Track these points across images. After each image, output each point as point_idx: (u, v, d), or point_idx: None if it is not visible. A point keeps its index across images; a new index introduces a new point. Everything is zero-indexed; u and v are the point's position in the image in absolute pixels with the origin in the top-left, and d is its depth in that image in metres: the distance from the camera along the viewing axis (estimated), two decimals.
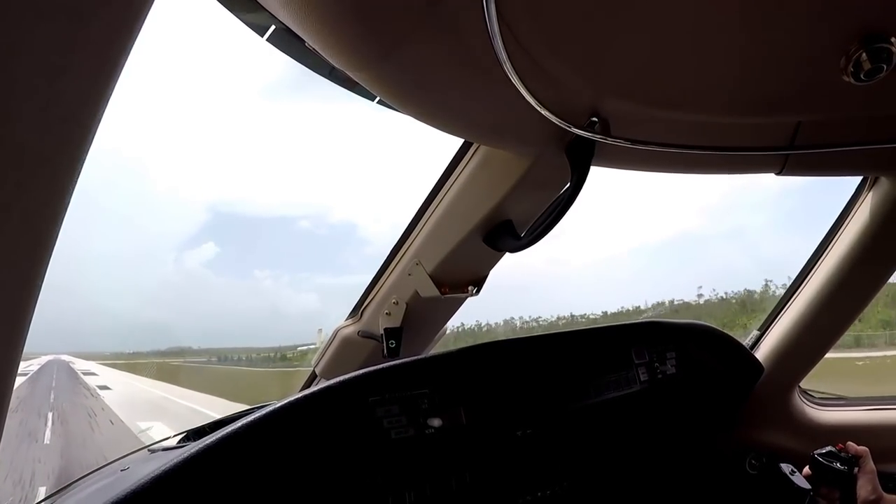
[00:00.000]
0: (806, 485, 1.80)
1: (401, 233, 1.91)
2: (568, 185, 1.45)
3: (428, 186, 1.77)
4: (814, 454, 1.77)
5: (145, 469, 1.25)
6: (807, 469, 1.81)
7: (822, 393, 2.44)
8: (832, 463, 1.74)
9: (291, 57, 1.26)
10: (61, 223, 0.72)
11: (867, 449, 1.74)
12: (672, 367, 2.01)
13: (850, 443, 1.76)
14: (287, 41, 1.20)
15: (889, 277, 2.01)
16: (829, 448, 1.78)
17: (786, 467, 1.86)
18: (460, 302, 2.07)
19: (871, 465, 1.73)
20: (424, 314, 2.03)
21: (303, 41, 1.04)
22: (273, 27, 1.17)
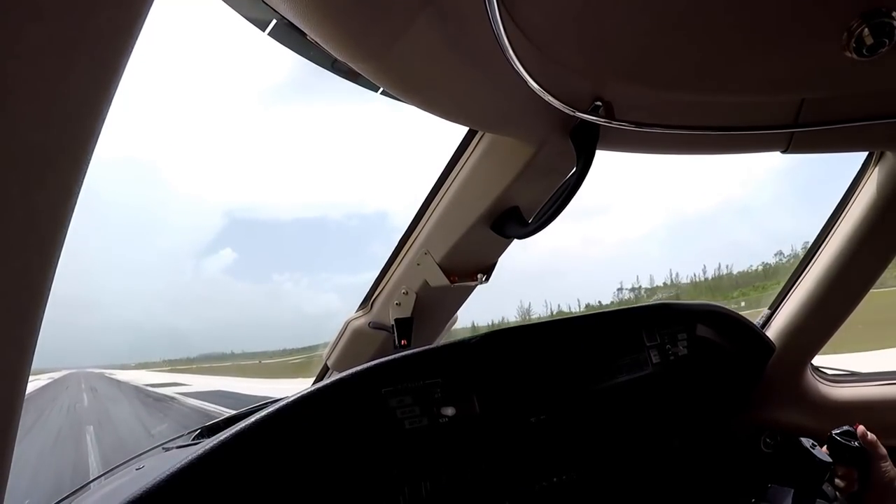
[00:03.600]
0: (827, 458, 1.79)
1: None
2: (574, 169, 1.45)
3: (434, 176, 1.77)
4: (831, 433, 1.77)
5: (161, 467, 1.25)
6: (824, 449, 1.80)
7: (835, 370, 2.44)
8: (850, 442, 1.73)
9: (294, 51, 1.26)
10: (68, 224, 0.72)
11: (875, 437, 1.74)
12: (683, 348, 2.01)
13: (860, 428, 1.75)
14: (289, 35, 1.20)
15: None
16: (846, 427, 1.77)
17: (806, 441, 1.86)
18: (470, 290, 2.08)
19: (882, 449, 1.73)
20: (434, 304, 2.03)
21: (304, 34, 1.04)
22: (274, 21, 1.17)
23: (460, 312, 2.26)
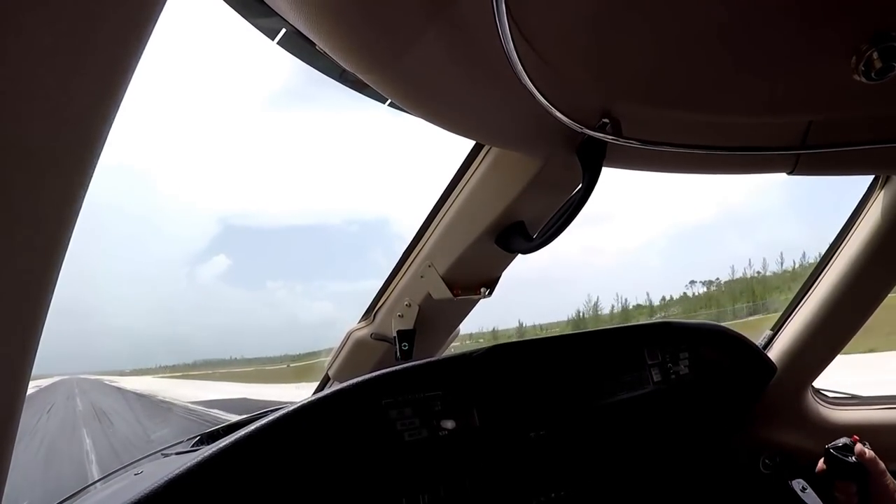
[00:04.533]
0: (817, 502, 1.79)
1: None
2: (580, 185, 1.45)
3: (440, 188, 1.78)
4: (828, 448, 1.75)
5: (159, 473, 1.25)
6: (821, 463, 1.79)
7: (836, 392, 2.43)
8: (847, 456, 1.72)
9: (302, 60, 1.26)
10: (73, 227, 0.72)
11: (874, 454, 1.73)
12: (685, 367, 2.01)
13: (858, 445, 1.74)
14: (298, 45, 1.20)
15: None
16: (843, 441, 1.75)
17: (797, 484, 1.85)
18: (473, 304, 2.08)
19: (881, 465, 1.72)
20: (437, 316, 2.03)
21: (313, 44, 1.04)
22: (284, 31, 1.17)
23: (464, 325, 2.27)
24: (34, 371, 0.81)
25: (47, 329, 0.78)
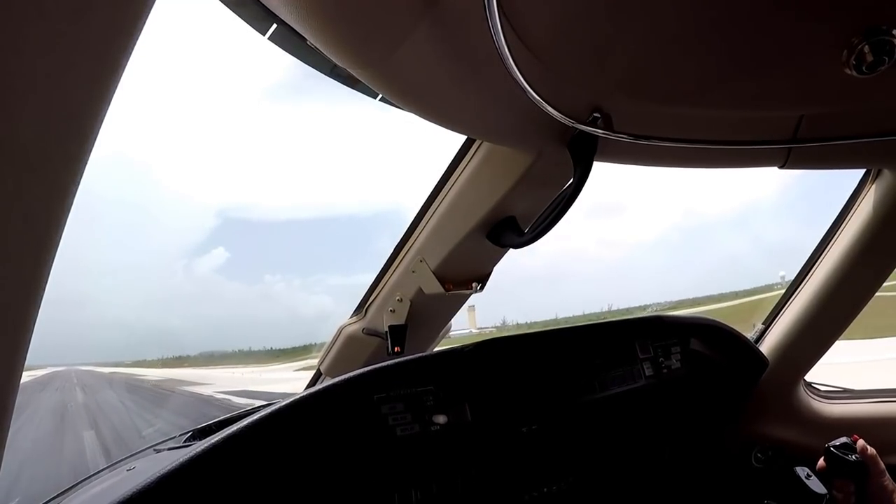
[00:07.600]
0: (822, 490, 1.78)
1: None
2: (571, 180, 1.45)
3: (431, 183, 1.77)
4: (828, 446, 1.74)
5: (151, 468, 1.25)
6: (821, 462, 1.78)
7: (828, 386, 2.44)
8: (847, 455, 1.71)
9: (293, 55, 1.26)
10: (64, 224, 0.72)
11: (875, 451, 1.72)
12: (677, 361, 2.01)
13: (860, 441, 1.73)
14: (289, 40, 1.20)
15: (893, 269, 2.01)
16: (843, 439, 1.74)
17: (801, 471, 1.84)
18: (464, 299, 2.08)
19: (881, 464, 1.71)
20: (429, 311, 2.04)
21: (304, 39, 1.04)
22: (274, 25, 1.17)
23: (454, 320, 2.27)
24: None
25: (41, 319, 0.78)
